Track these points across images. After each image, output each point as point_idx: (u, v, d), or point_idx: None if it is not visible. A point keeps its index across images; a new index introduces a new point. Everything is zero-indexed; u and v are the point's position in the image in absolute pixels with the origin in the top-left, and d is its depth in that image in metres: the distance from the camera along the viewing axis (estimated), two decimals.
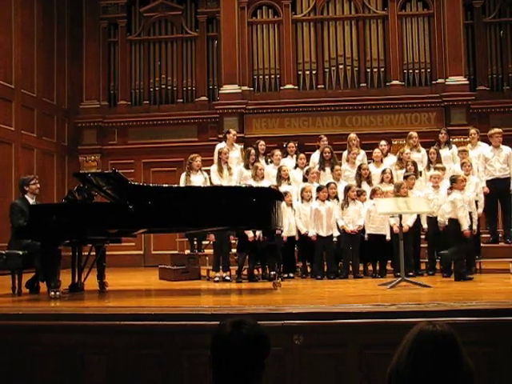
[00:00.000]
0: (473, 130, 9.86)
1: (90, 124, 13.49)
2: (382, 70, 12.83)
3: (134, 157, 13.24)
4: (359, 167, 9.17)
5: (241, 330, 2.24)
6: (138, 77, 13.68)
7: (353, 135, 9.88)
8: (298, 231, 8.72)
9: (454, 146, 9.87)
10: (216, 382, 2.25)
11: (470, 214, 8.47)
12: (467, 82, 12.59)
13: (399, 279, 7.14)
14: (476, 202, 8.84)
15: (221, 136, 11.54)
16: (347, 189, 8.70)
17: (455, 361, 1.99)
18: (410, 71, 12.79)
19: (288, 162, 9.59)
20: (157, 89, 13.54)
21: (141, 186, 7.08)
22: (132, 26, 13.82)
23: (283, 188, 8.73)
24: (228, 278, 8.61)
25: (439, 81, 12.61)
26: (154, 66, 13.68)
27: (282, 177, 9.00)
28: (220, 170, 9.22)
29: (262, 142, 9.97)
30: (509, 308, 4.93)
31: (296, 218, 8.70)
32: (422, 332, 2.06)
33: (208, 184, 9.08)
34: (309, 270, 8.87)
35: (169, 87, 13.53)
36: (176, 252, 10.50)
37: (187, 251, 9.82)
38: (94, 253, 7.62)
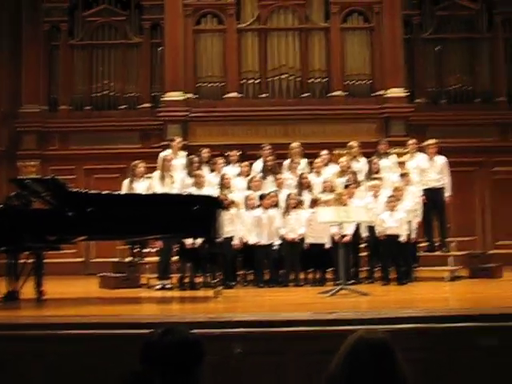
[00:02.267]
0: (411, 141, 10.12)
1: (30, 129, 13.18)
2: (325, 80, 13.00)
3: (76, 163, 12.99)
4: (300, 176, 9.29)
5: (167, 337, 2.23)
6: (81, 82, 13.45)
7: (295, 144, 9.99)
8: (241, 239, 8.75)
9: (392, 156, 10.09)
10: None
11: (409, 223, 8.69)
12: (406, 95, 12.88)
13: (339, 287, 7.25)
14: (414, 211, 9.06)
15: (164, 143, 11.48)
16: (288, 197, 8.79)
17: (390, 368, 2.03)
18: (352, 82, 13.00)
19: (230, 171, 9.62)
20: (99, 94, 13.35)
21: (80, 193, 6.99)
22: (75, 31, 13.61)
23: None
24: (169, 285, 8.57)
25: (379, 93, 12.86)
26: (97, 72, 13.48)
27: (224, 185, 9.02)
28: (162, 178, 9.18)
29: (206, 150, 9.97)
30: (443, 315, 5.07)
31: (239, 227, 8.73)
32: (357, 340, 2.10)
33: (151, 191, 9.02)
34: (250, 278, 8.91)
35: (111, 93, 13.36)
36: (117, 260, 10.36)
37: (128, 259, 9.71)
38: (31, 260, 7.45)
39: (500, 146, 13.15)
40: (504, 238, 12.17)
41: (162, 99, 12.95)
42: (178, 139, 10.23)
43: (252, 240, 8.61)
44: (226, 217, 8.33)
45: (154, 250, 8.96)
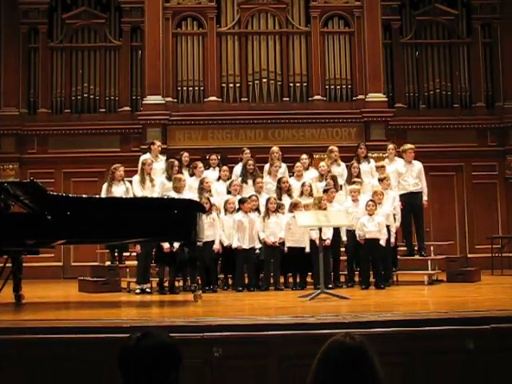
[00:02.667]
0: (390, 146, 10.18)
1: (9, 131, 13.07)
2: (305, 84, 13.05)
3: (55, 166, 12.91)
4: (279, 180, 9.30)
5: (143, 342, 2.24)
6: (60, 85, 13.37)
7: (275, 148, 10.01)
8: (221, 243, 8.74)
9: (372, 160, 10.15)
10: None
11: (388, 227, 8.75)
12: (386, 99, 12.98)
13: (319, 291, 7.27)
14: (394, 215, 9.12)
15: (144, 147, 11.44)
16: (267, 201, 8.80)
17: (363, 372, 2.04)
18: (332, 87, 13.06)
19: (210, 174, 9.61)
20: (79, 97, 13.28)
21: (59, 196, 6.96)
22: (54, 33, 13.52)
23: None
24: (148, 289, 8.54)
25: (359, 97, 12.94)
26: (77, 75, 13.41)
27: (203, 189, 9.01)
28: (142, 181, 9.15)
29: (186, 154, 9.96)
30: (423, 319, 5.11)
31: (219, 231, 8.73)
32: (331, 343, 2.11)
33: (130, 195, 8.98)
34: (230, 282, 8.91)
35: (91, 96, 13.30)
36: (96, 264, 10.30)
37: (108, 263, 9.66)
38: (9, 264, 7.38)
39: (478, 150, 13.30)
40: (482, 242, 12.28)
41: (142, 103, 12.92)
42: (158, 143, 10.20)
43: (234, 244, 8.60)
44: (206, 221, 8.34)
45: (134, 254, 8.91)
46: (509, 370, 4.61)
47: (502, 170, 13.40)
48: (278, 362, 4.63)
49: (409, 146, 9.86)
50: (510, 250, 11.98)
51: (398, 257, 9.49)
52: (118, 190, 8.99)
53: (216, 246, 8.61)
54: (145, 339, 2.26)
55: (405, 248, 9.76)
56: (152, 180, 9.20)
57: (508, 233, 12.65)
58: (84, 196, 7.19)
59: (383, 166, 9.52)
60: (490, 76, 13.75)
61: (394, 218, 9.11)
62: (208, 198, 8.69)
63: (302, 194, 9.11)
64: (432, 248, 9.84)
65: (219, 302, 7.45)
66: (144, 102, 12.82)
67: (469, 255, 12.41)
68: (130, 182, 9.31)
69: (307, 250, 8.55)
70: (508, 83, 13.59)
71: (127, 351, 2.25)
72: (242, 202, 8.79)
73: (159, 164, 9.74)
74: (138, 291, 8.41)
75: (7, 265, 7.39)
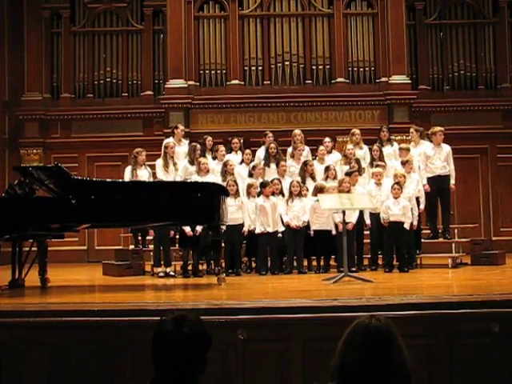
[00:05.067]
0: (414, 128, 10.08)
1: (32, 116, 13.17)
2: (328, 67, 12.95)
3: (78, 151, 13.00)
4: (304, 163, 9.26)
5: (182, 329, 2.24)
6: (82, 69, 13.42)
7: (297, 131, 9.97)
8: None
9: (395, 143, 10.07)
10: (158, 378, 2.25)
11: (411, 210, 8.69)
12: (409, 82, 12.84)
13: (342, 274, 7.26)
14: (417, 198, 9.05)
15: (167, 131, 11.46)
16: (291, 184, 8.78)
17: (387, 353, 2.04)
18: (355, 69, 12.95)
19: (233, 158, 9.60)
20: (101, 82, 13.32)
21: (84, 181, 7.00)
22: (76, 17, 13.55)
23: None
24: (172, 273, 8.60)
25: (383, 79, 12.82)
26: (99, 59, 13.45)
27: (227, 171, 9.01)
28: (166, 165, 9.18)
29: (210, 138, 9.97)
30: (447, 301, 5.08)
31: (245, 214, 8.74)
32: (357, 325, 2.11)
33: (153, 179, 9.02)
34: (253, 265, 8.93)
35: (113, 80, 13.34)
36: (120, 247, 10.38)
37: (131, 246, 9.74)
38: (35, 248, 7.48)
39: (504, 132, 13.12)
40: (507, 225, 12.17)
41: (164, 86, 12.94)
42: (181, 127, 10.21)
43: (257, 229, 8.61)
44: (234, 203, 8.36)
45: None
46: None
47: None
48: (301, 345, 4.65)
49: (438, 128, 9.72)
50: None
51: (422, 240, 9.43)
52: (142, 174, 9.04)
53: (245, 229, 8.64)
54: (183, 325, 2.26)
55: (429, 231, 9.70)
56: (175, 164, 9.23)
57: None
58: (108, 180, 7.23)
59: (406, 149, 9.43)
60: None
61: (418, 201, 9.04)
62: (235, 181, 8.70)
63: (326, 177, 9.07)
64: (456, 231, 9.75)
65: (243, 286, 7.47)
66: (166, 85, 12.83)
67: (493, 238, 12.29)
68: (152, 166, 9.35)
69: (333, 232, 8.53)
70: None
71: (163, 336, 2.25)
72: (263, 185, 8.78)
73: (182, 148, 9.76)
74: (161, 274, 8.47)
75: (33, 249, 7.49)
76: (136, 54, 13.48)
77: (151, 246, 9.22)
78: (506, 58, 13.42)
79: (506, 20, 13.49)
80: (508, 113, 13.27)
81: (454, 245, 9.26)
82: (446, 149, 9.56)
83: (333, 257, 8.72)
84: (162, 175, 9.08)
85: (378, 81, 12.89)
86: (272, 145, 9.62)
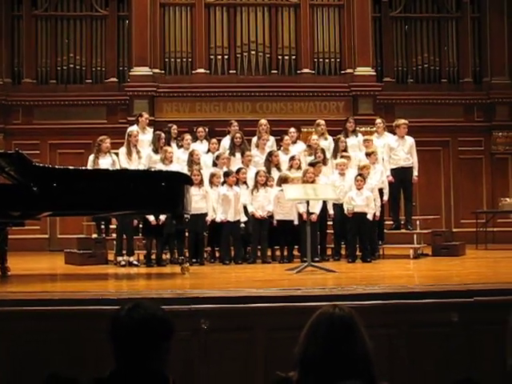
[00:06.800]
0: (379, 120, 10.18)
1: None
2: (294, 57, 12.96)
3: (40, 138, 12.78)
4: (269, 154, 9.28)
5: (135, 313, 2.24)
6: (45, 54, 13.17)
7: (263, 121, 9.97)
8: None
9: (360, 134, 10.15)
10: (118, 366, 2.23)
11: (374, 201, 8.78)
12: (374, 73, 12.93)
13: (305, 264, 7.31)
14: (381, 189, 9.15)
15: (131, 119, 11.34)
16: (257, 174, 8.79)
17: (350, 343, 2.05)
18: (321, 60, 12.99)
19: (198, 147, 9.57)
20: (64, 68, 13.10)
21: (45, 168, 6.90)
22: (38, 0, 13.28)
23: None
24: (135, 262, 8.55)
25: (348, 71, 12.88)
26: (62, 44, 13.21)
27: (193, 161, 8.98)
28: (129, 154, 9.09)
29: (175, 126, 9.91)
30: (408, 292, 5.15)
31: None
32: (320, 315, 2.12)
33: (116, 167, 8.93)
34: (217, 254, 8.92)
35: (77, 67, 13.12)
36: (83, 236, 10.26)
37: (94, 235, 9.63)
38: None
39: (465, 125, 13.33)
40: (467, 216, 12.37)
41: (129, 74, 12.80)
42: (146, 115, 10.13)
43: (218, 218, 8.60)
44: (198, 193, 8.34)
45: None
46: (491, 342, 4.66)
47: (488, 145, 13.45)
48: (264, 335, 4.66)
49: (402, 121, 9.84)
50: (494, 224, 12.08)
51: (385, 231, 9.55)
52: (105, 162, 8.93)
53: (209, 218, 8.62)
54: (136, 310, 2.26)
55: (391, 222, 9.81)
56: (139, 152, 9.15)
57: (492, 208, 12.74)
58: (70, 167, 7.13)
59: (370, 140, 9.53)
60: (478, 51, 13.71)
61: (382, 192, 9.14)
62: (199, 171, 8.68)
63: (290, 167, 9.10)
64: (418, 222, 9.89)
65: (206, 275, 7.46)
66: (131, 73, 12.69)
67: (454, 229, 12.48)
68: (117, 154, 9.25)
69: (296, 222, 8.57)
70: (495, 59, 13.57)
71: (119, 322, 2.25)
72: (226, 175, 8.78)
73: (146, 136, 9.68)
74: (123, 263, 8.41)
75: None
76: (100, 40, 13.28)
77: (114, 235, 9.14)
78: (468, 53, 13.61)
79: (468, 15, 13.67)
80: (469, 107, 13.48)
81: (415, 236, 9.39)
82: (410, 141, 9.68)
83: (296, 247, 8.77)
84: (125, 163, 8.99)
85: (343, 72, 12.96)
86: (237, 134, 9.61)
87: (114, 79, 13.14)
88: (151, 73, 12.61)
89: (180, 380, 3.55)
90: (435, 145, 13.16)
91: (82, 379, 2.67)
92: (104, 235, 9.36)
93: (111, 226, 9.32)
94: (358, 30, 12.80)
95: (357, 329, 2.09)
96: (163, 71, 12.82)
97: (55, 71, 13.12)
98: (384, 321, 4.72)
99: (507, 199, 12.24)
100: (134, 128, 9.62)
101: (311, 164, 8.89)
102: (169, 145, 9.28)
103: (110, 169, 8.60)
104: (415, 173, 9.70)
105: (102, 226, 9.43)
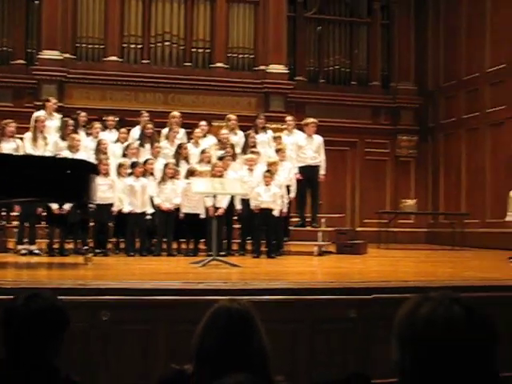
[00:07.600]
0: (289, 118, 10.34)
1: None
2: (208, 51, 12.95)
3: None
4: (179, 146, 9.24)
5: (31, 303, 2.20)
6: None
7: (175, 113, 9.92)
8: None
9: (270, 131, 10.26)
10: (9, 357, 2.18)
11: (281, 197, 8.91)
12: (287, 72, 13.10)
13: (210, 258, 7.32)
14: (288, 186, 9.29)
15: (38, 103, 10.99)
16: (165, 167, 8.73)
17: (246, 337, 2.08)
18: (234, 55, 13.04)
19: (107, 136, 9.40)
20: None
21: None
22: None
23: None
24: (37, 251, 8.30)
25: (261, 67, 13.00)
26: None
27: (100, 150, 8.82)
28: (35, 139, 8.82)
29: (84, 114, 9.71)
30: (310, 288, 5.26)
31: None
32: (218, 308, 2.14)
33: (21, 152, 8.63)
34: (122, 246, 8.81)
35: None
36: None
37: None
38: None
39: (372, 128, 13.76)
40: (370, 216, 12.76)
41: (37, 57, 12.37)
42: (54, 100, 9.85)
43: (125, 208, 8.50)
44: (104, 183, 8.20)
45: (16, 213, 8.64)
46: (387, 336, 4.83)
47: (393, 148, 13.94)
48: (166, 327, 4.64)
49: (311, 120, 10.03)
50: (395, 225, 12.54)
51: (291, 227, 9.70)
52: (7, 147, 8.61)
53: (114, 209, 8.49)
54: (32, 300, 2.21)
55: (297, 219, 9.98)
56: (45, 138, 8.89)
57: (395, 209, 13.21)
58: None
59: (280, 137, 9.66)
60: (387, 57, 14.18)
61: (289, 189, 9.28)
62: (107, 160, 8.54)
63: (201, 161, 9.10)
64: (323, 220, 10.11)
65: (110, 266, 7.34)
66: (39, 56, 12.28)
67: (358, 229, 12.85)
68: (21, 139, 8.95)
69: (203, 216, 8.58)
70: (402, 65, 14.08)
71: (13, 311, 2.19)
72: (133, 165, 8.69)
73: (54, 122, 9.42)
74: (23, 252, 8.15)
75: None
76: (8, 19, 12.76)
77: (15, 223, 8.83)
78: (377, 58, 14.05)
79: (378, 22, 14.11)
80: (377, 110, 13.92)
81: (320, 233, 9.59)
82: (318, 140, 9.89)
83: (202, 240, 8.78)
84: (30, 149, 8.71)
85: (256, 69, 13.06)
86: (149, 125, 9.52)
87: (22, 61, 12.68)
88: (61, 57, 12.25)
89: (78, 372, 3.50)
90: (343, 145, 13.50)
91: None
92: (4, 222, 9.03)
93: (12, 214, 9.01)
94: (272, 28, 12.93)
95: (254, 323, 2.11)
96: (74, 56, 12.49)
97: None
98: (286, 316, 4.80)
99: (408, 201, 12.75)
100: (40, 113, 9.34)
101: (220, 158, 8.92)
102: (76, 132, 9.07)
103: (14, 154, 8.31)
104: (322, 171, 9.92)
105: (3, 213, 9.10)
